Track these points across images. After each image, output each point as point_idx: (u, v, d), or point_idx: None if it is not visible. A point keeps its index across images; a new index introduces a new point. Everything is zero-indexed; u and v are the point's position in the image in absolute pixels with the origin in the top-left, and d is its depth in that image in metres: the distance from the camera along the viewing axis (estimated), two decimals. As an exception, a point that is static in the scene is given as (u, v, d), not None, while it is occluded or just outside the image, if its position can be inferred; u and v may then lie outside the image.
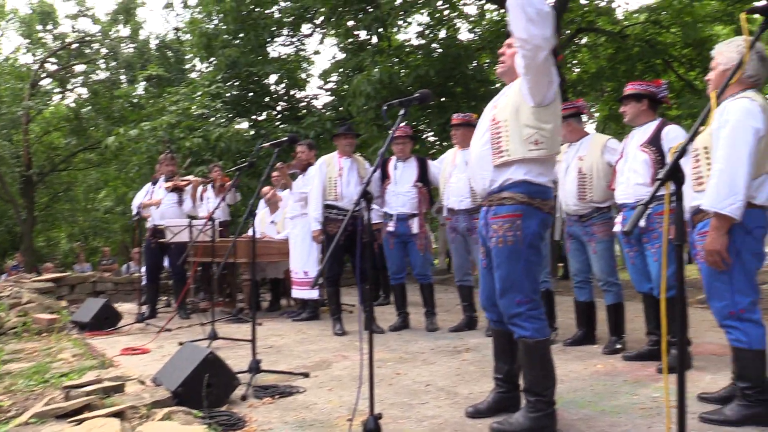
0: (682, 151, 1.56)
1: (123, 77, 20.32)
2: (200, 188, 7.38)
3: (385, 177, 5.80)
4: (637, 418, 3.02)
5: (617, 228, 4.35)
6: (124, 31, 21.46)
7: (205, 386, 3.16)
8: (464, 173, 5.31)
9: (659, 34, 12.80)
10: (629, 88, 4.24)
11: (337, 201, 5.72)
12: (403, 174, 5.71)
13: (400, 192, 5.68)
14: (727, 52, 2.93)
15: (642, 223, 3.94)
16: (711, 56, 3.05)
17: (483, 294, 3.07)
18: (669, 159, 2.02)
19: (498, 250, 2.82)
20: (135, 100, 17.26)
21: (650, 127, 4.09)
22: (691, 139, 1.64)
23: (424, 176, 5.73)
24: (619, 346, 4.52)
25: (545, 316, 2.86)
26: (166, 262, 7.27)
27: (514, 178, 2.79)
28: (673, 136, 3.95)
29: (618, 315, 4.62)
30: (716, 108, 2.70)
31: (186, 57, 19.08)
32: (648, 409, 3.15)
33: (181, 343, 4.43)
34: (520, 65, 2.69)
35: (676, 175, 1.52)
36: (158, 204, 6.91)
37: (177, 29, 21.31)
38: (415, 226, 5.65)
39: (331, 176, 5.76)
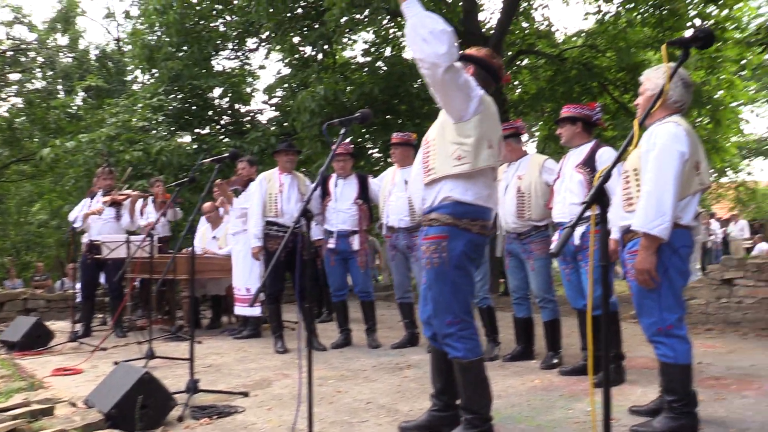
0: (607, 175, 1.64)
1: (60, 87, 19.67)
2: (140, 203, 7.19)
3: (325, 194, 5.81)
4: (571, 432, 3.10)
5: (553, 246, 4.48)
6: (63, 40, 20.83)
7: (139, 408, 3.07)
8: (404, 192, 5.38)
9: (595, 58, 13.27)
10: (564, 112, 4.39)
11: (277, 217, 5.68)
12: (343, 191, 5.73)
13: (341, 209, 5.69)
14: (654, 78, 3.07)
15: (576, 241, 4.08)
16: (640, 82, 3.19)
17: (422, 311, 3.11)
18: (594, 182, 2.11)
19: (427, 271, 2.87)
20: (73, 111, 16.73)
21: (585, 149, 4.25)
22: (615, 164, 1.72)
23: (364, 193, 5.76)
24: (555, 361, 4.64)
25: (477, 336, 2.89)
26: (102, 279, 7.05)
27: (441, 197, 2.83)
28: (607, 157, 4.10)
29: (554, 331, 4.74)
30: (643, 132, 2.82)
31: (127, 68, 18.65)
32: (582, 422, 3.23)
33: (116, 363, 4.29)
34: (428, 84, 2.75)
35: (601, 198, 1.60)
36: (101, 212, 6.69)
37: (118, 40, 20.86)
38: (355, 243, 5.66)
39: (272, 192, 5.73)
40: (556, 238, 4.47)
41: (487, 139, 2.81)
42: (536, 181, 4.64)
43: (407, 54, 13.63)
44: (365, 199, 5.76)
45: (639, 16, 12.68)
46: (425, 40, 2.55)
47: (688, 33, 1.83)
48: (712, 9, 11.39)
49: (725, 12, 11.52)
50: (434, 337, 3.02)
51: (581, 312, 4.31)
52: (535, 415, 3.39)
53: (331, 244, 5.71)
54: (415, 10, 2.59)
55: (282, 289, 5.84)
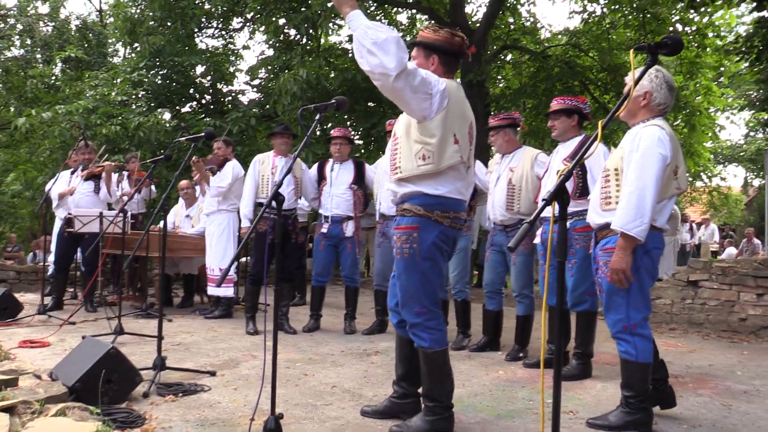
0: (568, 174, 1.69)
1: (39, 56, 19.30)
2: (116, 177, 7.13)
3: (321, 179, 5.82)
4: (530, 423, 3.18)
5: (537, 240, 4.52)
6: (43, 8, 20.42)
7: (104, 382, 3.08)
8: None
9: (578, 57, 13.37)
10: (559, 104, 4.33)
11: (268, 199, 5.68)
12: (339, 176, 5.75)
13: (335, 194, 5.71)
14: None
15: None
16: (624, 82, 3.23)
17: (391, 299, 3.14)
18: (555, 181, 2.14)
19: (397, 261, 2.90)
20: (51, 82, 16.44)
21: (574, 143, 4.25)
22: (576, 163, 1.77)
23: (360, 179, 5.78)
24: (521, 354, 4.72)
25: (443, 326, 2.93)
26: (79, 253, 6.98)
27: (411, 190, 2.85)
28: (596, 152, 4.09)
29: (526, 326, 4.81)
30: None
31: (108, 41, 18.35)
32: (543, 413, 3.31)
33: (84, 337, 4.28)
34: (383, 93, 2.71)
35: (561, 196, 1.64)
36: (72, 192, 6.64)
37: (100, 11, 20.49)
38: (349, 228, 5.69)
39: (264, 174, 5.73)
40: (539, 233, 4.50)
41: (453, 134, 2.78)
42: (528, 174, 4.64)
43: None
44: (360, 185, 5.78)
45: (622, 18, 12.82)
46: (370, 52, 2.51)
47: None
48: (693, 15, 11.54)
49: (706, 19, 11.69)
50: (401, 323, 3.06)
51: (554, 308, 4.38)
52: (496, 405, 3.47)
53: (324, 228, 5.73)
54: (358, 22, 2.54)
55: (266, 271, 5.84)
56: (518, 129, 4.96)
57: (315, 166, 6.00)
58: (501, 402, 3.54)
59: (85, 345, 3.51)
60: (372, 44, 2.51)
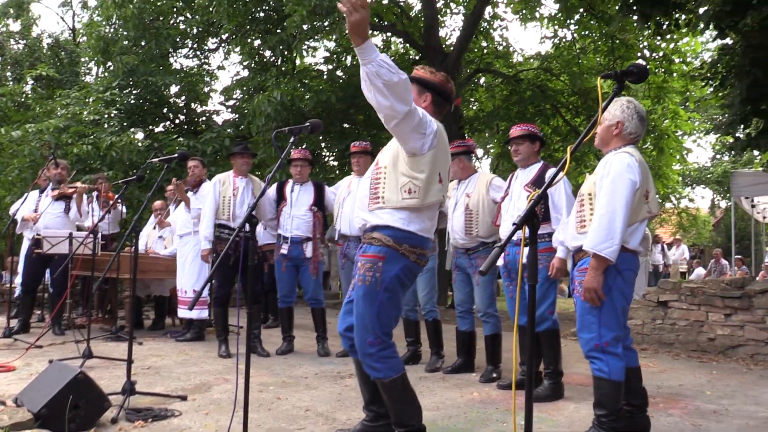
0: (538, 199, 1.72)
1: (9, 74, 19.05)
2: (86, 197, 7.03)
3: (281, 199, 5.81)
4: (503, 444, 3.18)
5: (500, 262, 4.59)
6: (15, 26, 20.21)
7: (71, 408, 3.01)
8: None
9: (550, 81, 13.64)
10: (522, 130, 4.45)
11: (229, 221, 5.64)
12: (299, 197, 5.74)
13: (296, 215, 5.69)
14: (612, 109, 3.22)
15: (524, 260, 4.18)
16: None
17: (342, 322, 3.06)
18: (526, 205, 2.19)
19: (357, 287, 2.87)
20: (21, 100, 16.18)
21: (534, 169, 4.38)
22: (546, 189, 1.81)
23: (320, 201, 5.78)
24: (495, 375, 4.74)
25: (396, 353, 2.89)
26: (47, 274, 6.84)
27: (383, 222, 2.85)
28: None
29: (495, 345, 4.84)
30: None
31: (81, 60, 18.19)
32: (515, 435, 3.31)
33: (51, 361, 4.19)
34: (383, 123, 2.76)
35: (531, 220, 1.67)
36: (35, 220, 6.51)
37: (73, 30, 20.34)
38: (309, 250, 5.67)
39: (225, 195, 5.69)
40: (502, 255, 4.57)
41: (438, 174, 2.85)
42: (484, 198, 4.74)
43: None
44: (320, 206, 5.78)
45: (592, 44, 13.13)
46: (381, 92, 2.53)
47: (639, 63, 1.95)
48: (660, 42, 11.87)
49: (672, 45, 12.04)
50: (353, 348, 2.99)
51: (522, 328, 4.42)
52: (471, 428, 3.46)
53: (284, 249, 5.70)
54: (371, 57, 2.49)
55: (229, 293, 5.79)
56: (472, 156, 5.09)
57: (274, 186, 5.97)
58: (475, 424, 3.54)
59: (52, 369, 3.43)
60: (383, 86, 2.52)
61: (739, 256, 15.39)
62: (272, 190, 5.92)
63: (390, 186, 2.84)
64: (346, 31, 2.51)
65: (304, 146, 10.12)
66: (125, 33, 12.11)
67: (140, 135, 12.65)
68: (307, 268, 5.71)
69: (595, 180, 3.14)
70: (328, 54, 13.33)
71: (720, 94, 7.66)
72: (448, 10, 14.50)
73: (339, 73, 12.38)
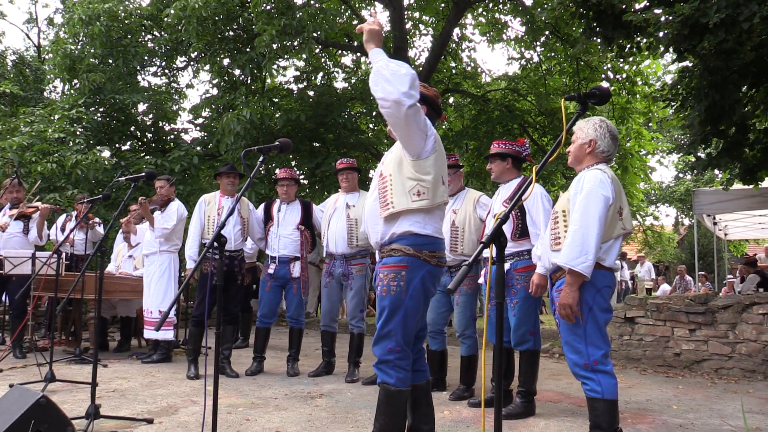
0: (505, 218, 1.75)
1: (-29, 91, 18.64)
2: (62, 218, 6.89)
3: (268, 219, 5.78)
4: (474, 463, 3.18)
5: (481, 280, 4.59)
6: (-23, 42, 19.84)
7: (33, 433, 2.93)
8: (344, 217, 5.42)
9: (517, 101, 13.89)
10: (495, 148, 4.52)
11: (215, 241, 5.58)
12: (286, 216, 5.72)
13: (283, 234, 5.67)
14: (585, 128, 3.30)
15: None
16: (572, 131, 3.40)
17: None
18: (493, 224, 2.25)
19: (381, 298, 2.90)
20: (-18, 117, 15.84)
21: (513, 185, 4.42)
22: (513, 207, 1.84)
23: (307, 219, 5.76)
24: (466, 393, 4.74)
25: (410, 369, 2.90)
26: (5, 296, 6.66)
27: (401, 230, 2.89)
28: (534, 193, 4.25)
29: (471, 366, 4.84)
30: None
31: (46, 77, 17.92)
32: (485, 453, 3.32)
33: (11, 386, 4.08)
34: (389, 123, 2.85)
35: (498, 239, 1.70)
36: (4, 227, 6.37)
37: (39, 47, 20.05)
38: (296, 269, 5.65)
39: (210, 215, 5.65)
40: (483, 273, 4.58)
41: (442, 176, 2.94)
42: (471, 216, 4.75)
43: (337, 84, 13.82)
44: (308, 225, 5.76)
45: (558, 66, 13.42)
46: (388, 80, 2.67)
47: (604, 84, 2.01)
48: (623, 64, 12.18)
49: (635, 68, 12.37)
50: None
51: (497, 347, 4.42)
52: (441, 446, 3.46)
53: (271, 269, 5.66)
54: (381, 57, 2.73)
55: (208, 312, 5.69)
56: (460, 171, 5.10)
57: (262, 206, 5.97)
58: (445, 443, 3.54)
59: (13, 394, 3.33)
60: (391, 74, 2.67)
61: (703, 273, 15.75)
62: (260, 210, 5.92)
63: (397, 190, 2.89)
64: (362, 41, 2.70)
65: (271, 165, 10.12)
66: (92, 50, 11.96)
67: (107, 153, 12.46)
68: (292, 287, 5.68)
69: (569, 197, 3.19)
70: (298, 73, 13.37)
71: (681, 115, 7.87)
72: (417, 32, 14.70)
73: (309, 92, 12.40)
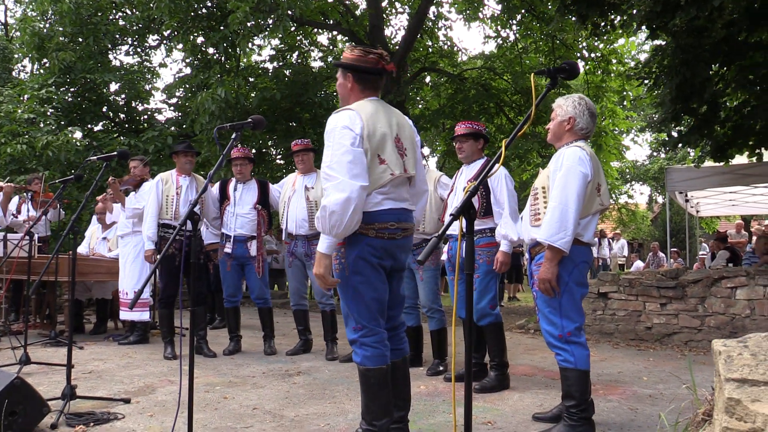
0: (475, 190, 1.77)
1: (-64, 71, 18.13)
2: (17, 200, 6.77)
3: (224, 198, 5.74)
4: (449, 435, 3.24)
5: (444, 257, 4.67)
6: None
7: (7, 414, 2.92)
8: (303, 198, 5.43)
9: (493, 80, 13.91)
10: (467, 127, 4.52)
11: (173, 220, 5.54)
12: (242, 196, 5.69)
13: (240, 213, 5.64)
14: (564, 105, 3.33)
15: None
16: (551, 108, 3.43)
17: None
18: (462, 197, 2.24)
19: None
20: (-51, 98, 15.45)
21: (477, 165, 4.47)
22: (481, 181, 1.86)
23: (264, 199, 5.74)
24: (441, 368, 4.82)
25: (382, 345, 2.80)
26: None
27: None
28: (498, 174, 4.30)
29: (441, 339, 4.92)
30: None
31: (14, 56, 17.49)
32: (460, 425, 3.38)
33: (-16, 369, 4.04)
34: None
35: (467, 211, 1.72)
36: None
37: (6, 25, 19.55)
38: (253, 248, 5.63)
39: (169, 195, 5.58)
40: (446, 250, 4.67)
41: (377, 157, 2.77)
42: (432, 195, 4.79)
43: (313, 63, 13.70)
44: (264, 204, 5.74)
45: (533, 44, 13.44)
46: (332, 225, 2.61)
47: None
48: (598, 42, 12.25)
49: (610, 46, 12.45)
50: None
51: (464, 320, 4.50)
52: (417, 419, 3.51)
53: (228, 248, 5.64)
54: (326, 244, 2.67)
55: (175, 294, 5.66)
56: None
57: (217, 185, 5.90)
58: (422, 416, 3.60)
59: (-13, 376, 3.31)
60: (329, 226, 2.62)
61: (675, 249, 16.04)
62: (215, 189, 5.85)
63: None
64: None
65: (245, 145, 10.03)
66: (61, 29, 11.70)
67: (78, 134, 12.27)
68: (253, 267, 5.67)
69: (549, 174, 3.23)
70: (273, 52, 13.23)
71: (654, 93, 7.96)
72: (393, 10, 14.59)
73: (285, 71, 12.29)
